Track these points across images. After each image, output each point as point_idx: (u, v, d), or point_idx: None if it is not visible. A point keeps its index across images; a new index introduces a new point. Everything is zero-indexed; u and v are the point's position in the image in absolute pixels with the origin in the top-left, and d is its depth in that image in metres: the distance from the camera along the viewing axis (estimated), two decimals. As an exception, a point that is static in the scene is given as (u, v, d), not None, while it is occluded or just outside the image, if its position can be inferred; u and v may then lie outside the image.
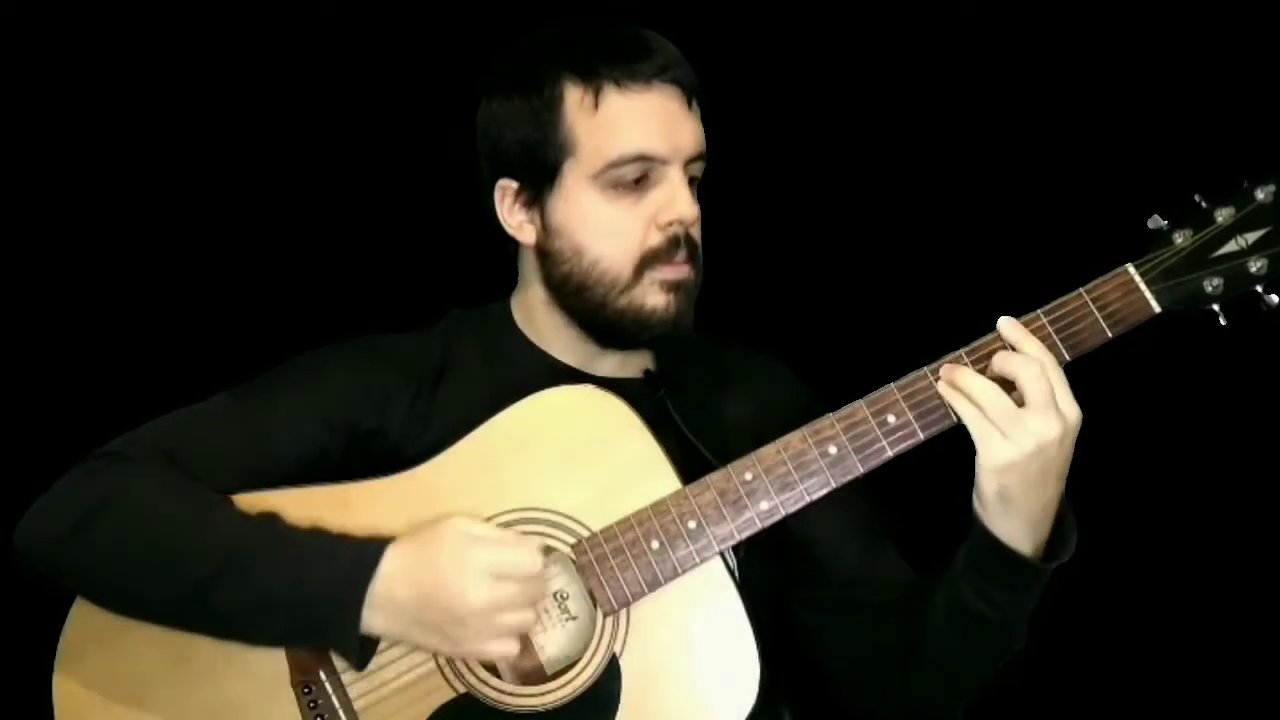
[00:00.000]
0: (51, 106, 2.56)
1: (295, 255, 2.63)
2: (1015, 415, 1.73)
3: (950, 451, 1.81)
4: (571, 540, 1.83)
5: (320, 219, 2.64)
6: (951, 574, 1.83)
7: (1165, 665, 2.70)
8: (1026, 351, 1.75)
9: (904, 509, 2.09)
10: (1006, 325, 1.78)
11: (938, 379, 1.79)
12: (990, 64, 2.62)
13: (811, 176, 2.67)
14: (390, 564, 1.75)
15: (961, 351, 1.80)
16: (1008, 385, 1.75)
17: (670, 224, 1.90)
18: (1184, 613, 2.69)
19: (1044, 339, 1.77)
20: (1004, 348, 1.78)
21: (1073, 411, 1.75)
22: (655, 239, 1.90)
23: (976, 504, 1.79)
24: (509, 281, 2.04)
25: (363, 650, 1.77)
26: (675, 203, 1.90)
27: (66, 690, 1.84)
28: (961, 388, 1.76)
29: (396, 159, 2.62)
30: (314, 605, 1.74)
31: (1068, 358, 1.79)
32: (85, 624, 1.84)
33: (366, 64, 2.62)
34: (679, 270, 1.91)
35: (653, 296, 1.91)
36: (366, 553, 1.75)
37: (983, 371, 1.77)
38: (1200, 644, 2.69)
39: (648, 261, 1.90)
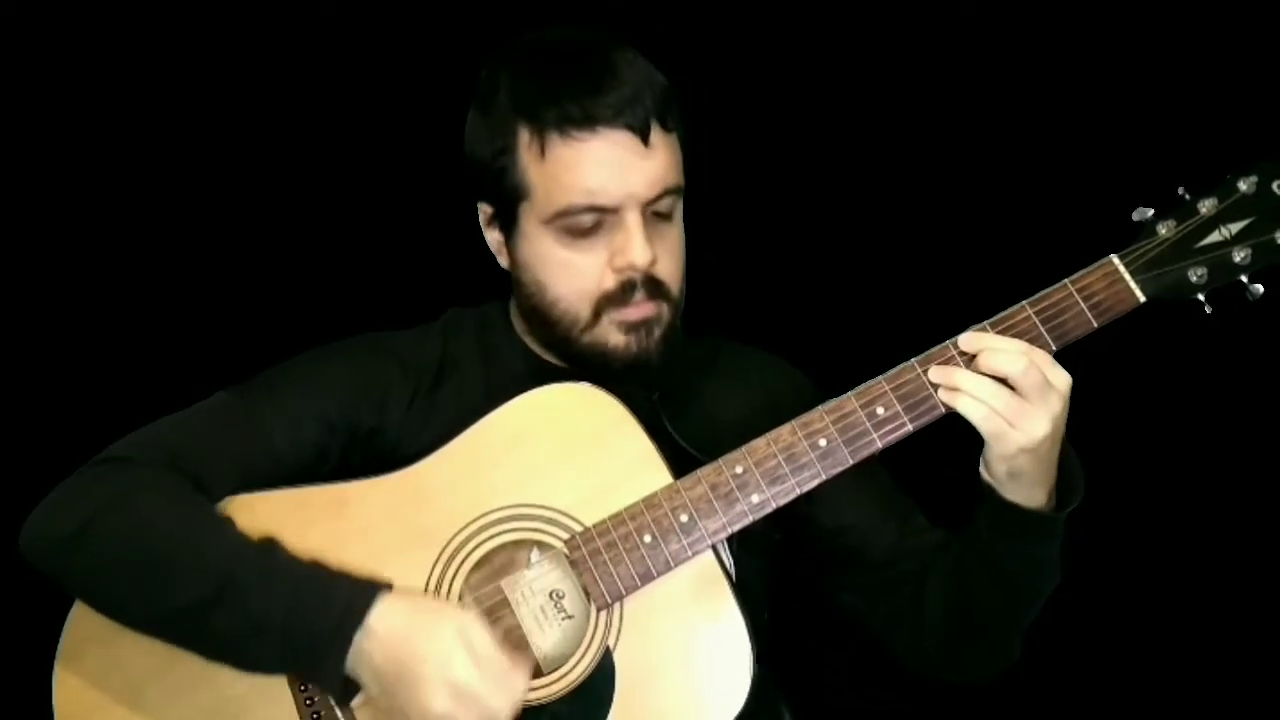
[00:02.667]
0: (52, 106, 2.57)
1: (295, 255, 2.64)
2: (1020, 407, 1.74)
3: (947, 445, 1.83)
4: (565, 536, 1.84)
5: (320, 219, 2.64)
6: (978, 539, 1.84)
7: (1158, 660, 2.70)
8: (1000, 348, 1.76)
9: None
10: (967, 340, 1.78)
11: (926, 372, 1.80)
12: (975, 58, 2.62)
13: (800, 171, 2.66)
14: (378, 621, 1.73)
15: (948, 343, 1.81)
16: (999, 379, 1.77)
17: (623, 269, 1.88)
18: (1171, 605, 2.68)
19: (1030, 329, 1.79)
20: (1022, 324, 1.79)
21: (1063, 380, 1.77)
22: (610, 282, 1.88)
23: (986, 477, 1.81)
24: (509, 282, 2.03)
25: (346, 687, 1.77)
26: (628, 249, 1.86)
27: (67, 690, 1.85)
28: (964, 389, 1.77)
29: (396, 159, 2.62)
30: (301, 645, 1.74)
31: (1054, 348, 1.80)
32: (85, 624, 1.85)
33: (366, 63, 2.62)
34: (639, 310, 1.89)
35: (614, 336, 1.89)
36: (356, 602, 1.74)
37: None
38: (1190, 637, 2.69)
39: (604, 305, 1.88)
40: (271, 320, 2.57)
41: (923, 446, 1.83)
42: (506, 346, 2.02)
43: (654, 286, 1.89)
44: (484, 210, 1.97)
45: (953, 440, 1.80)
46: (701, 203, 1.97)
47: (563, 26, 1.96)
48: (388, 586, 1.76)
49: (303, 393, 1.92)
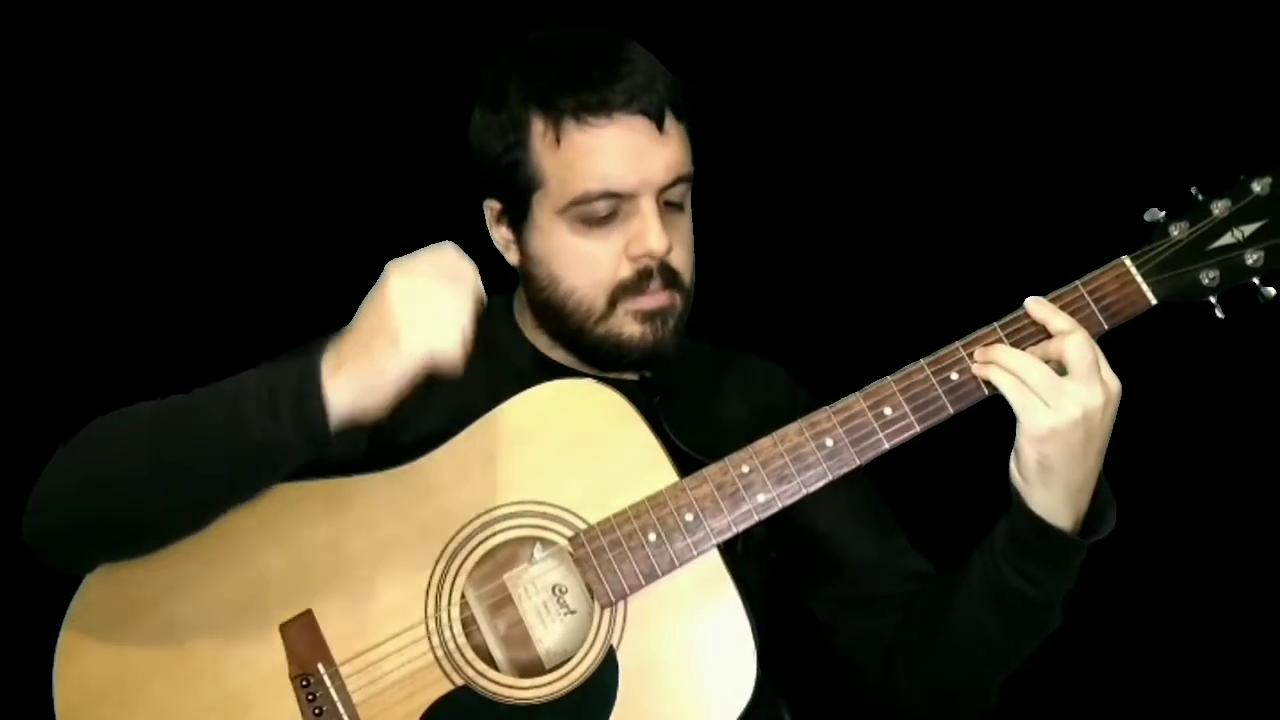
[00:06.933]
0: (52, 106, 2.57)
1: (295, 253, 2.64)
2: (1057, 383, 1.72)
3: (952, 449, 1.81)
4: (569, 534, 1.83)
5: (320, 218, 2.65)
6: (989, 555, 1.81)
7: (1161, 663, 2.71)
8: (1060, 327, 1.75)
9: (911, 503, 2.09)
10: (1034, 304, 1.77)
11: (936, 370, 1.79)
12: (985, 58, 2.62)
13: (805, 171, 2.67)
14: (332, 346, 1.74)
15: (995, 325, 1.79)
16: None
17: (639, 257, 1.88)
18: (1178, 606, 2.69)
19: (1039, 331, 1.78)
20: (1029, 328, 1.78)
21: (1114, 382, 1.75)
22: (626, 271, 1.89)
23: (1015, 476, 1.77)
24: (510, 279, 2.04)
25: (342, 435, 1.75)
26: (644, 236, 1.87)
27: (68, 684, 1.84)
28: (997, 361, 1.75)
29: (396, 157, 2.63)
30: (281, 397, 1.72)
31: (1065, 349, 1.79)
32: (86, 620, 1.84)
33: (366, 63, 2.63)
34: (654, 299, 1.90)
35: (629, 326, 1.90)
36: (312, 348, 1.75)
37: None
38: (1195, 644, 2.70)
39: (620, 294, 1.89)
40: (270, 318, 2.55)
41: (922, 484, 1.82)
42: (509, 341, 2.01)
43: (669, 275, 1.90)
44: (492, 207, 1.96)
45: (951, 482, 1.80)
46: (703, 205, 1.96)
47: (564, 26, 1.96)
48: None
49: None
